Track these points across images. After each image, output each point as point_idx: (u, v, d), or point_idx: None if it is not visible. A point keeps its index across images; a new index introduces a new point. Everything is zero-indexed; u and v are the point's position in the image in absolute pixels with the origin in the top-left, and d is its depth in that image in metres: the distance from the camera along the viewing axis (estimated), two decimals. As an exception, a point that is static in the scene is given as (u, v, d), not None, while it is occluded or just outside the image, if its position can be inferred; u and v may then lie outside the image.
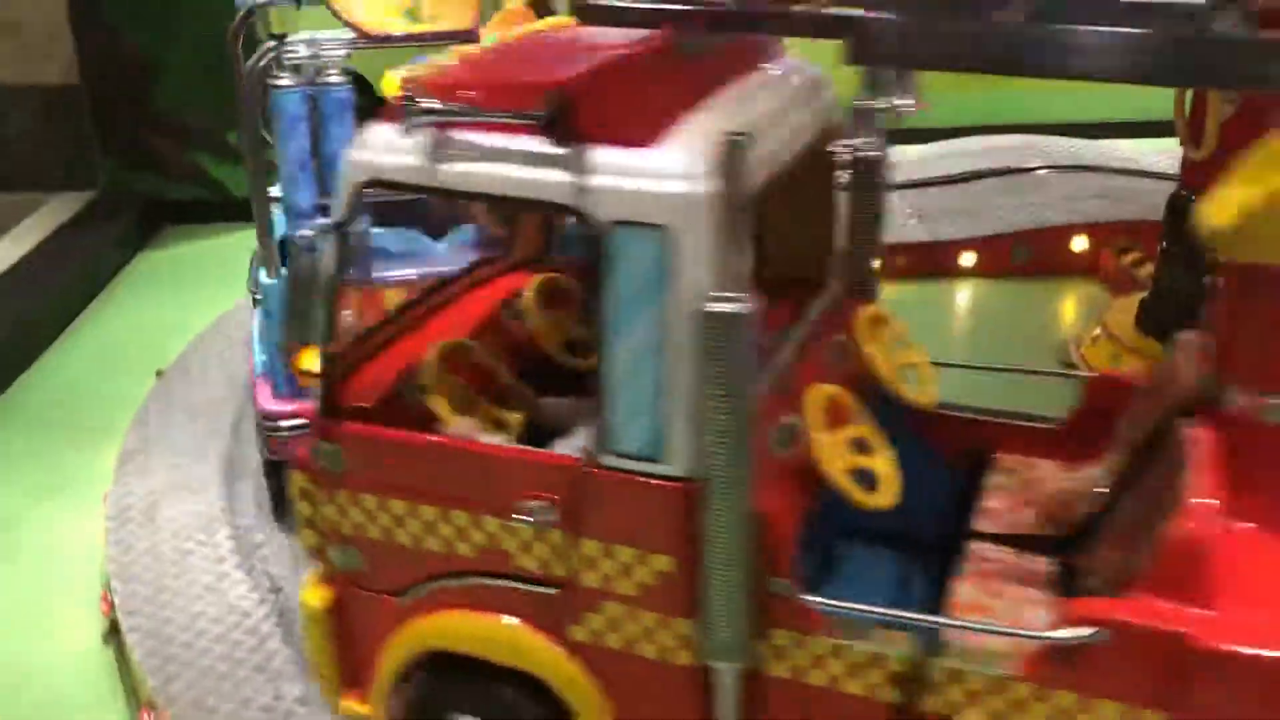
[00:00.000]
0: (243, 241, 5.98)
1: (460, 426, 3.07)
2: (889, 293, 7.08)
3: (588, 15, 3.08)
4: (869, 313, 3.56)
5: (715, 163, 2.52)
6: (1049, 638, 2.57)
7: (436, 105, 2.70)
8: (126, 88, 9.01)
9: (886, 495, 2.87)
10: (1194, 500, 2.54)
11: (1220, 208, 2.50)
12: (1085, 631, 2.48)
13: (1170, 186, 5.94)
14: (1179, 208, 5.76)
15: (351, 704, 3.34)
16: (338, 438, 3.01)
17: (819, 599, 2.74)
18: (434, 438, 3.00)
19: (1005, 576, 3.09)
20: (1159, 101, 5.92)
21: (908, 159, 8.41)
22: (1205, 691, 2.41)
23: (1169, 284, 5.86)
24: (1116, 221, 7.43)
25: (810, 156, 3.26)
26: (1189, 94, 5.54)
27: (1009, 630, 2.70)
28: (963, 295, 7.29)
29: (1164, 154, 7.41)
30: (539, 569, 2.91)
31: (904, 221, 7.66)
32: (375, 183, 2.83)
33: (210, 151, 9.19)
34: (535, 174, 2.65)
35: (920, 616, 2.83)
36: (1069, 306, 7.18)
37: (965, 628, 2.72)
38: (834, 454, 2.89)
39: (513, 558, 2.92)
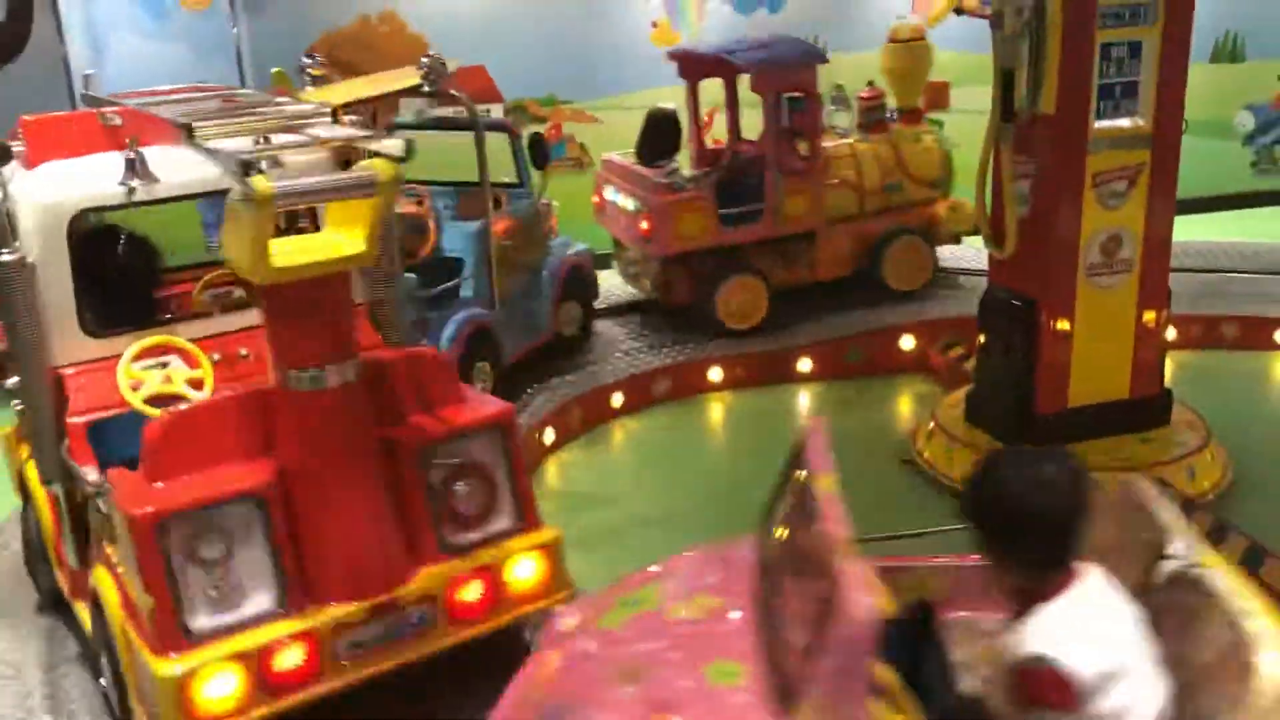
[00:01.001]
0: None
1: None
2: (732, 401, 7.35)
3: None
4: None
5: None
6: None
7: None
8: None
9: None
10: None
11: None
12: None
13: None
14: (990, 304, 6.14)
15: None
16: None
17: None
18: None
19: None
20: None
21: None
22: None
23: (988, 377, 6.21)
24: (940, 319, 7.85)
25: None
26: (988, 198, 5.97)
27: None
28: (804, 398, 7.53)
29: (980, 252, 7.91)
30: None
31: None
32: None
33: None
34: None
35: None
36: (904, 403, 7.49)
37: None
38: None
39: None
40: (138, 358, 4.14)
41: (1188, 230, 7.60)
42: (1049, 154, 5.64)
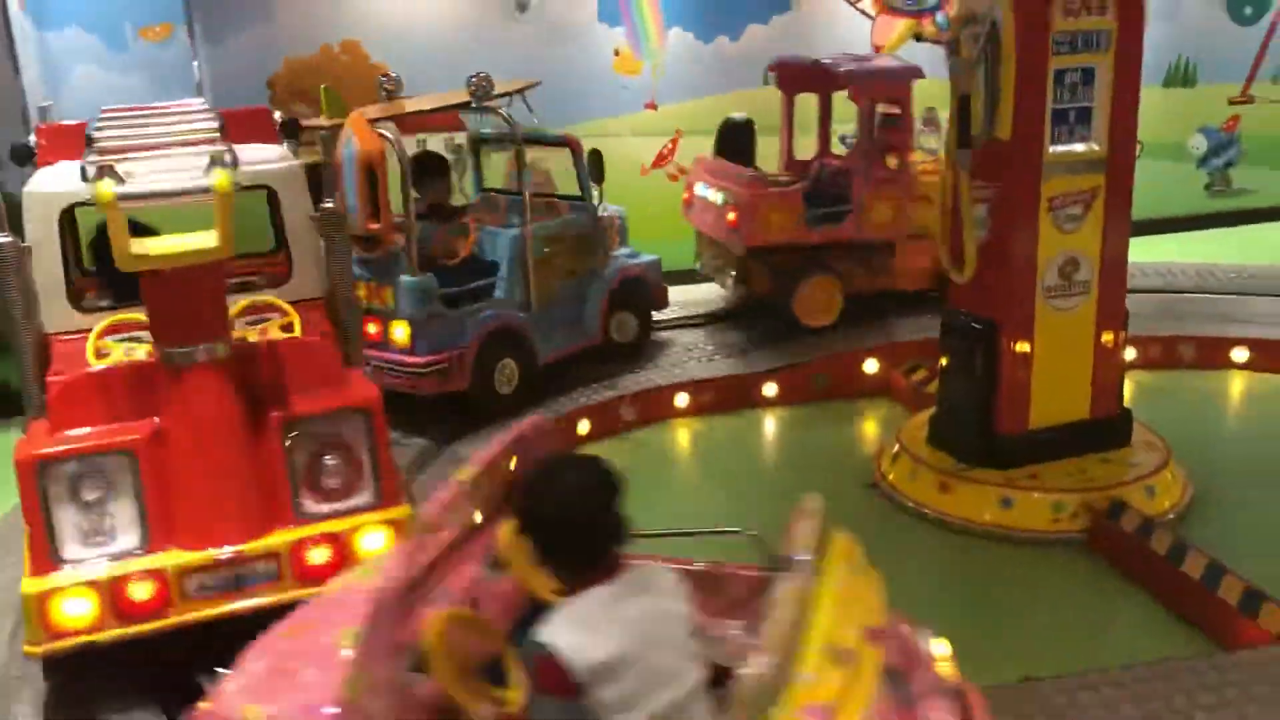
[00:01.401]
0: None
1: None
2: (699, 427, 7.36)
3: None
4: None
5: None
6: None
7: None
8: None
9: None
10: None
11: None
12: None
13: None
14: (950, 327, 6.19)
15: None
16: None
17: None
18: None
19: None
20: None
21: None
22: None
23: (950, 399, 6.26)
24: (903, 343, 7.92)
25: None
26: (948, 221, 6.03)
27: None
28: (770, 424, 7.55)
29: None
30: None
31: (708, 357, 7.95)
32: None
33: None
34: None
35: None
36: (869, 426, 7.53)
37: None
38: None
39: None
40: (109, 331, 4.76)
41: (1144, 251, 7.74)
42: (1006, 179, 5.72)
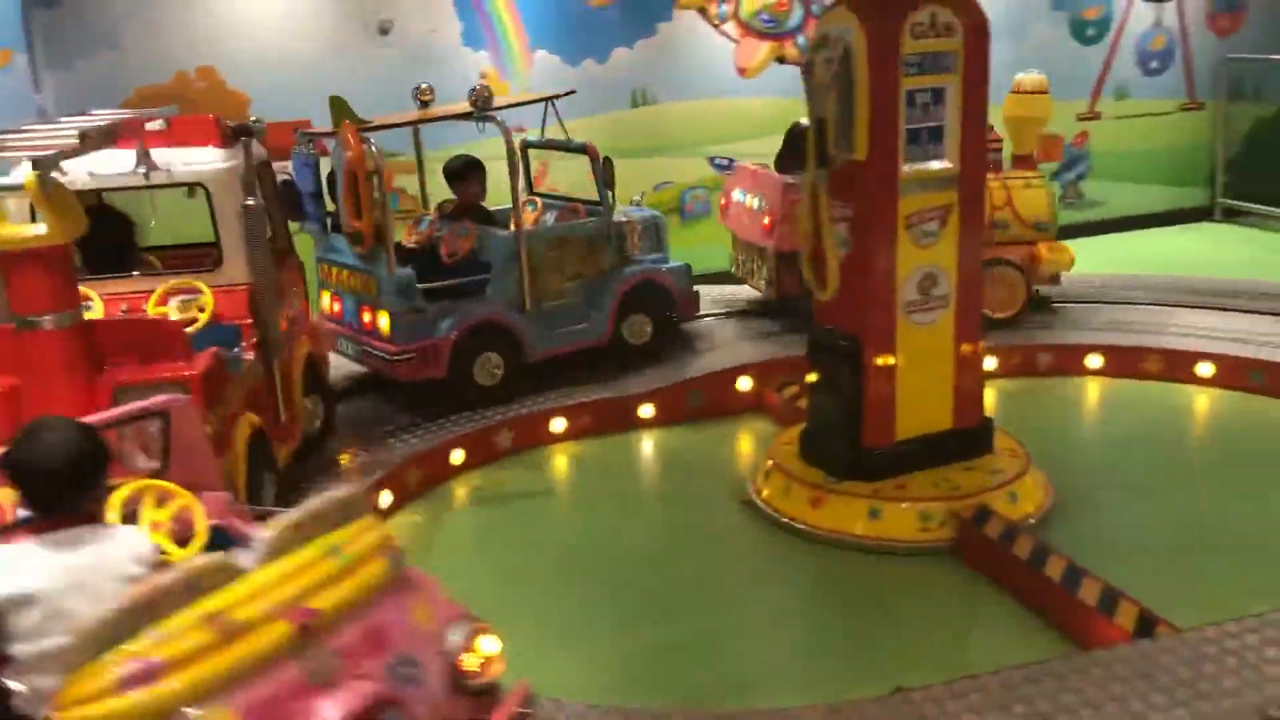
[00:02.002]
0: None
1: None
2: (577, 450, 7.32)
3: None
4: None
5: None
6: None
7: None
8: None
9: None
10: None
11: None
12: None
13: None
14: (817, 343, 6.29)
15: None
16: None
17: None
18: None
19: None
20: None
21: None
22: None
23: (819, 414, 6.35)
24: (773, 360, 8.02)
25: None
26: (810, 241, 6.13)
27: None
28: (648, 444, 7.56)
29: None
30: None
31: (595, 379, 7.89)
32: None
33: None
34: None
35: None
36: (744, 444, 7.60)
37: None
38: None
39: None
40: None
41: (1000, 265, 8.00)
42: (864, 197, 5.84)
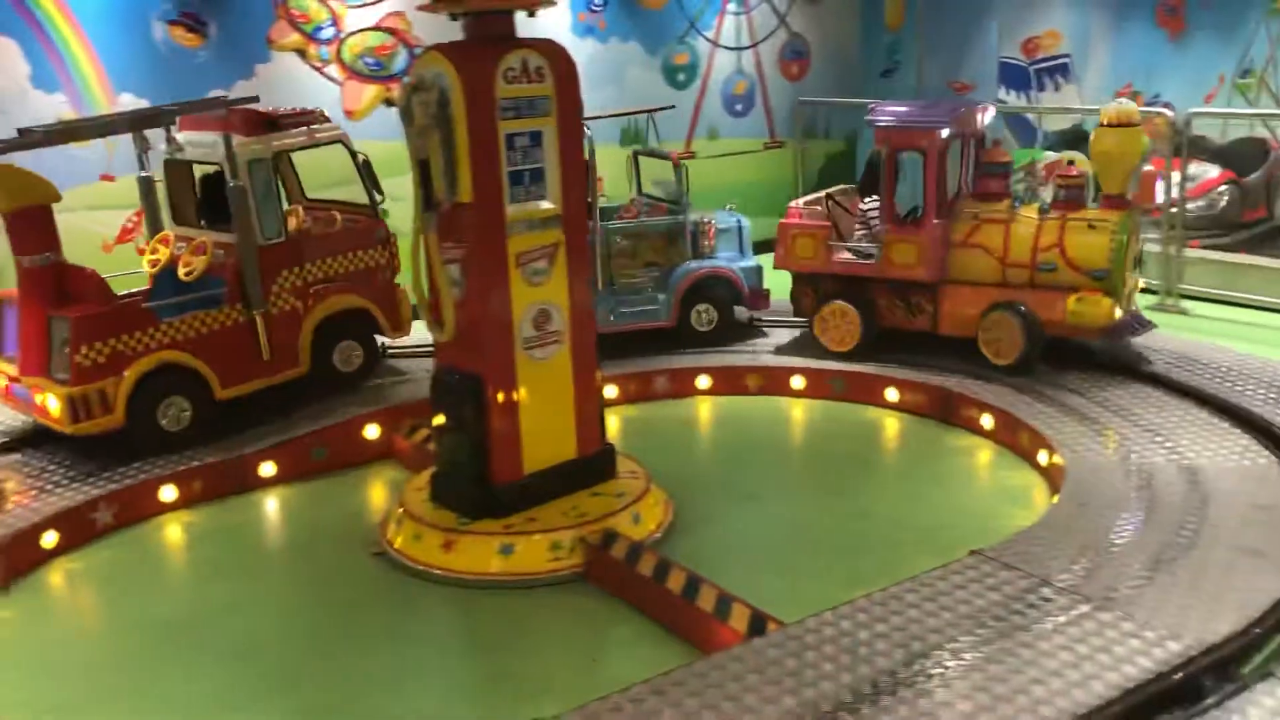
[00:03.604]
0: None
1: None
2: (191, 519, 6.83)
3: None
4: None
5: None
6: None
7: None
8: None
9: None
10: None
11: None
12: None
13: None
14: (440, 384, 6.29)
15: None
16: None
17: None
18: None
19: None
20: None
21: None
22: None
23: (447, 456, 6.34)
24: (402, 404, 7.90)
25: None
26: (425, 284, 6.12)
27: None
28: (271, 504, 7.19)
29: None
30: None
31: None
32: None
33: None
34: None
35: None
36: (375, 493, 7.42)
37: None
38: None
39: None
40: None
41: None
42: (473, 239, 5.92)
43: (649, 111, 9.90)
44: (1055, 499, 6.26)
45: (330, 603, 5.91)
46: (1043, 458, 6.96)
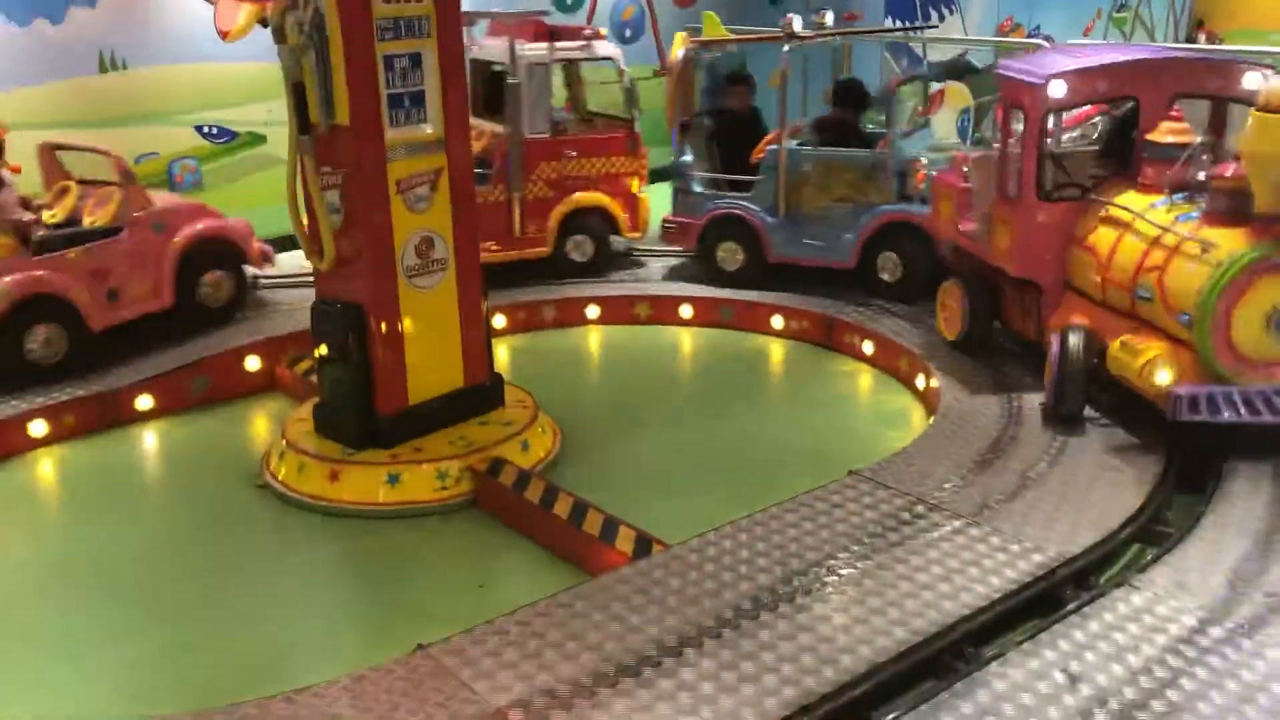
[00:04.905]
0: None
1: None
2: (63, 454, 6.61)
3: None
4: None
5: None
6: None
7: None
8: None
9: None
10: None
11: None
12: None
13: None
14: (320, 314, 6.16)
15: None
16: None
17: None
18: None
19: None
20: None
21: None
22: None
23: (330, 387, 6.24)
24: (285, 335, 7.73)
25: None
26: (303, 212, 5.97)
27: None
28: (149, 439, 6.99)
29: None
30: None
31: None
32: None
33: None
34: None
35: None
36: (257, 425, 7.28)
37: None
38: None
39: None
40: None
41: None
42: (352, 164, 5.77)
43: (907, 29, 10.52)
44: (931, 421, 6.47)
45: (213, 537, 5.80)
46: (920, 382, 7.17)
